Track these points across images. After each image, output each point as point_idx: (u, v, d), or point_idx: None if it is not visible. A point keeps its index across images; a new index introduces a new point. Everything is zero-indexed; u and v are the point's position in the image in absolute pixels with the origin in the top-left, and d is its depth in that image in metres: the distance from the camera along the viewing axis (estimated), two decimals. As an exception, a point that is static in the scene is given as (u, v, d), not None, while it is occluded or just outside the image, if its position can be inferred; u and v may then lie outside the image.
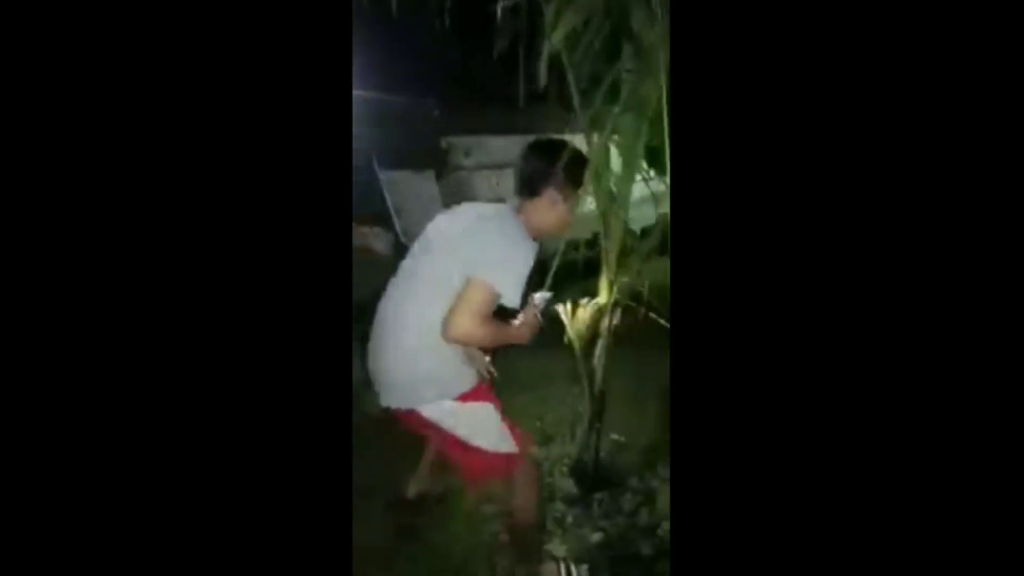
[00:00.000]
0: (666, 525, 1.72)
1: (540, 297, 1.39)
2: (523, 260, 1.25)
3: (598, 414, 1.80)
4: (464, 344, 1.31)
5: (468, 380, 1.37)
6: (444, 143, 4.84)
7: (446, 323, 1.22)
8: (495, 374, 1.58)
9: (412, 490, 1.78)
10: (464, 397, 1.35)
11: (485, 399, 1.38)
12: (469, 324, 1.20)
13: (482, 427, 1.37)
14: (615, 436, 2.08)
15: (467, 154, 5.02)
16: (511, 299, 1.23)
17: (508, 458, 1.40)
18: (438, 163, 4.74)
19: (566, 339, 1.72)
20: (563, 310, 1.69)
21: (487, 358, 1.58)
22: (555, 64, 1.27)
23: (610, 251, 1.51)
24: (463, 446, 1.37)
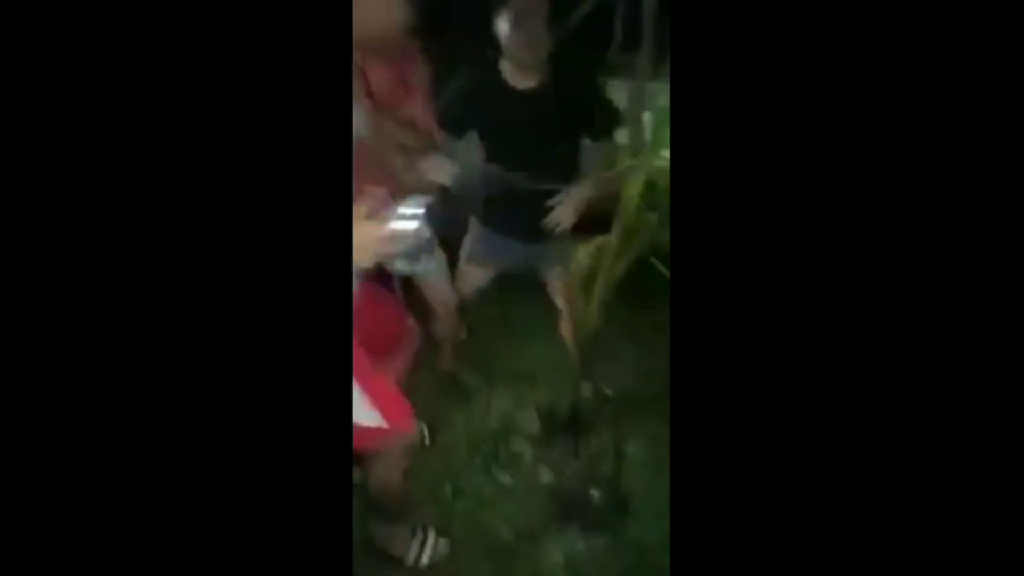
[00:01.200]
0: (628, 480, 1.69)
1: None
2: None
3: (584, 360, 1.74)
4: None
5: None
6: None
7: None
8: None
9: None
10: None
11: None
12: None
13: None
14: (607, 391, 1.99)
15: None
16: None
17: (375, 432, 1.22)
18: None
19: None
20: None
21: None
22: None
23: (631, 185, 1.41)
24: None
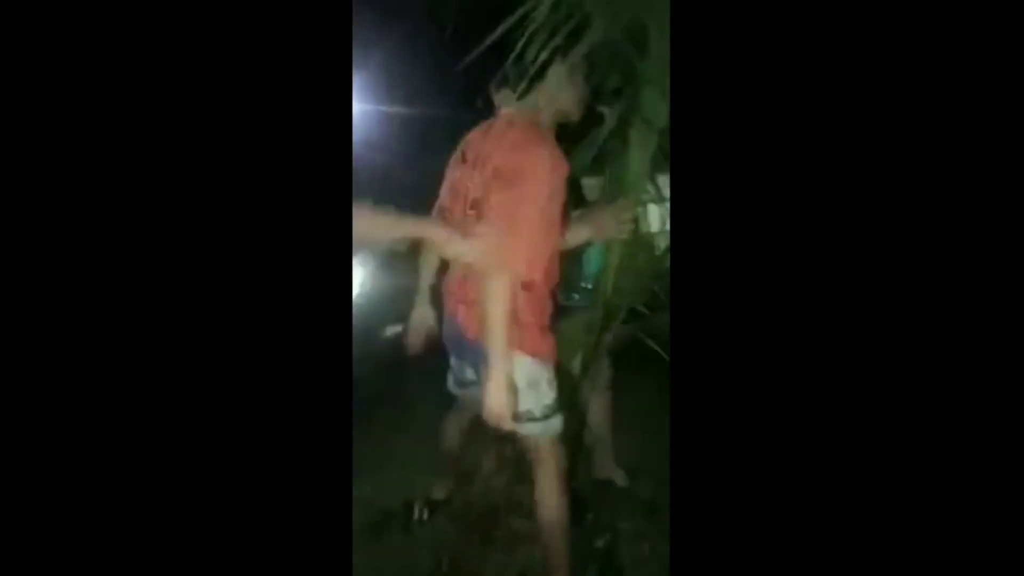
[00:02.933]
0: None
1: None
2: None
3: (578, 441, 1.74)
4: None
5: None
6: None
7: None
8: None
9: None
10: None
11: None
12: None
13: None
14: (619, 481, 1.98)
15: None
16: None
17: None
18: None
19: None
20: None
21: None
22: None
23: (612, 251, 1.46)
24: None
